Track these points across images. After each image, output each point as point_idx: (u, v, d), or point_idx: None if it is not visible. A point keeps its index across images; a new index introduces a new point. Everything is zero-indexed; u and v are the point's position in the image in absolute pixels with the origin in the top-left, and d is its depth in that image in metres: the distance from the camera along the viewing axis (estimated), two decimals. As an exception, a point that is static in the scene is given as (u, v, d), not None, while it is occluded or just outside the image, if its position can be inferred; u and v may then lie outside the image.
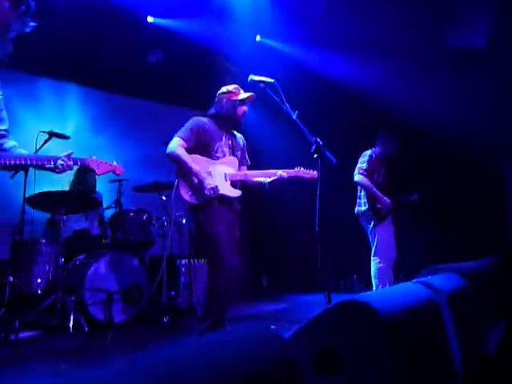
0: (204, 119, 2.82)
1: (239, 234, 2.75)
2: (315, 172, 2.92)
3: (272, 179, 2.81)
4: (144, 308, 3.70)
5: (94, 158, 2.02)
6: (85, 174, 4.39)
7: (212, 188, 2.56)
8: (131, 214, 3.99)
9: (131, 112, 5.67)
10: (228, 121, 2.82)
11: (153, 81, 5.46)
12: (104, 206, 4.50)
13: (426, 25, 4.32)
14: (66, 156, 1.85)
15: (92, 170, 4.35)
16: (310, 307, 4.46)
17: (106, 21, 4.76)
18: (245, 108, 2.83)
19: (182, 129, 2.73)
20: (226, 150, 2.80)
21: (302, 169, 2.95)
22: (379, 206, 3.70)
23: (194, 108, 6.07)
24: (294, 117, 2.43)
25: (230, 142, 2.86)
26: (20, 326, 3.07)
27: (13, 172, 3.59)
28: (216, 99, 2.88)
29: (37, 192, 3.53)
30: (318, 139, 2.32)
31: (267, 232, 6.11)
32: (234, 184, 2.77)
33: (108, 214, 4.38)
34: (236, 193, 2.76)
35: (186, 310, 4.01)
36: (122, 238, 3.90)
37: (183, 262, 4.27)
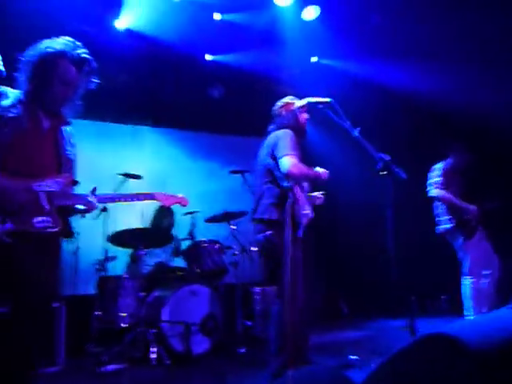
0: None
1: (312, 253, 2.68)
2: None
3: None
4: (221, 338, 3.70)
5: (161, 192, 2.14)
6: (162, 211, 4.67)
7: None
8: (204, 244, 4.09)
9: (197, 145, 5.94)
10: (299, 131, 2.76)
11: (216, 114, 5.68)
12: (179, 239, 4.68)
13: (488, 23, 4.03)
14: (90, 192, 1.90)
15: (169, 208, 4.68)
16: (393, 334, 4.16)
17: (167, 64, 5.14)
18: (305, 115, 2.80)
19: (286, 145, 2.59)
20: None
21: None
22: (467, 217, 3.41)
23: (259, 136, 6.21)
24: (356, 134, 2.33)
25: None
26: (108, 359, 3.25)
27: (99, 212, 3.94)
28: (275, 114, 2.86)
29: (117, 230, 3.81)
30: (383, 155, 2.20)
31: (342, 255, 5.87)
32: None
33: (184, 245, 4.53)
34: (312, 213, 2.71)
35: (262, 339, 3.94)
36: (197, 268, 4.00)
37: (257, 289, 4.24)
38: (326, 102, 2.56)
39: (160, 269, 4.25)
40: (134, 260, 4.36)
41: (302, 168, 2.56)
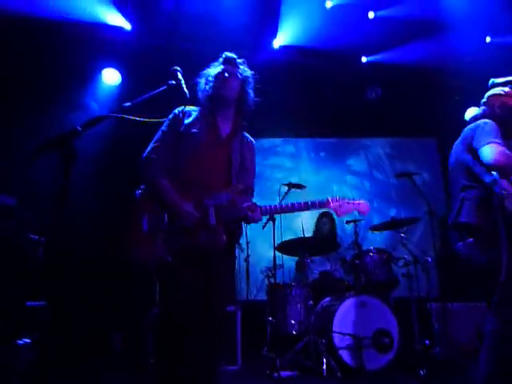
0: None
1: None
2: None
3: None
4: (397, 356, 3.41)
5: (336, 197, 1.94)
6: (321, 219, 4.67)
7: None
8: (371, 253, 3.88)
9: (356, 151, 5.78)
10: (504, 127, 2.25)
11: (375, 116, 5.42)
12: (344, 248, 4.57)
13: None
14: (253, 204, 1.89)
15: (327, 216, 4.65)
16: None
17: (324, 74, 5.13)
18: None
19: (488, 133, 2.23)
20: None
21: None
22: None
23: (425, 136, 5.70)
24: None
25: None
26: (281, 365, 3.32)
27: (264, 223, 4.17)
28: (485, 101, 2.43)
29: (285, 239, 3.95)
30: None
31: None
32: None
33: (349, 255, 4.40)
34: None
35: (444, 361, 3.48)
36: (365, 279, 3.80)
37: (434, 305, 3.79)
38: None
39: (325, 278, 4.20)
40: (301, 268, 4.43)
41: (505, 155, 2.10)
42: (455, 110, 5.05)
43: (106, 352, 4.30)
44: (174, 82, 1.74)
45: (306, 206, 1.91)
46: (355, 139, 5.86)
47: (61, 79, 4.56)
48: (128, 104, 1.47)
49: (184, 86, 1.75)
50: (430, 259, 3.87)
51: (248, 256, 4.73)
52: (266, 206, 1.90)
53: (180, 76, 1.78)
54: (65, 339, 3.74)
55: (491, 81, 2.28)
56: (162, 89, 1.68)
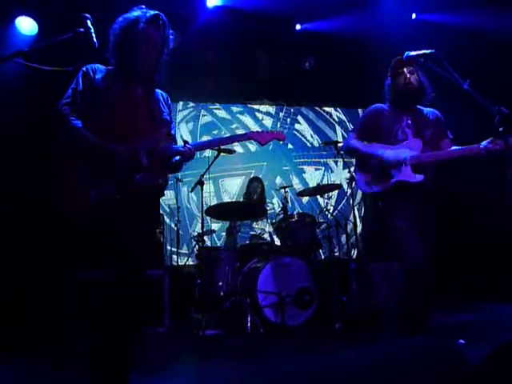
0: (382, 105, 2.68)
1: (432, 228, 2.44)
2: None
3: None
4: (316, 313, 3.64)
5: (255, 131, 2.08)
6: (252, 183, 4.73)
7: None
8: (295, 218, 4.03)
9: (291, 119, 5.88)
10: (398, 98, 2.58)
11: (310, 86, 5.50)
12: (273, 213, 4.69)
13: None
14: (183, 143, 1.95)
15: (257, 181, 4.72)
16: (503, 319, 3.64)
17: (257, 38, 5.07)
18: (404, 77, 2.54)
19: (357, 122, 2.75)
20: (409, 131, 2.56)
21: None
22: None
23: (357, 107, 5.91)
24: (467, 86, 2.03)
25: (411, 122, 2.58)
26: (207, 324, 3.41)
27: (192, 186, 4.14)
28: None
29: (214, 203, 3.96)
30: (501, 108, 1.88)
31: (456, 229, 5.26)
32: (416, 168, 2.47)
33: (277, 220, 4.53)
34: (417, 177, 2.46)
35: (358, 316, 3.78)
36: (290, 242, 3.96)
37: (353, 265, 4.07)
38: (429, 54, 2.28)
39: (254, 241, 4.32)
40: (230, 232, 4.50)
41: (350, 142, 2.63)
42: (381, 82, 5.31)
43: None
44: (82, 29, 1.62)
45: (231, 139, 2.07)
46: (287, 106, 5.92)
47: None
48: (26, 49, 1.34)
49: (93, 35, 1.63)
50: (351, 223, 4.11)
51: (179, 221, 4.70)
52: (193, 143, 1.96)
53: (90, 24, 1.65)
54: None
55: (405, 54, 2.40)
56: (67, 36, 1.55)
